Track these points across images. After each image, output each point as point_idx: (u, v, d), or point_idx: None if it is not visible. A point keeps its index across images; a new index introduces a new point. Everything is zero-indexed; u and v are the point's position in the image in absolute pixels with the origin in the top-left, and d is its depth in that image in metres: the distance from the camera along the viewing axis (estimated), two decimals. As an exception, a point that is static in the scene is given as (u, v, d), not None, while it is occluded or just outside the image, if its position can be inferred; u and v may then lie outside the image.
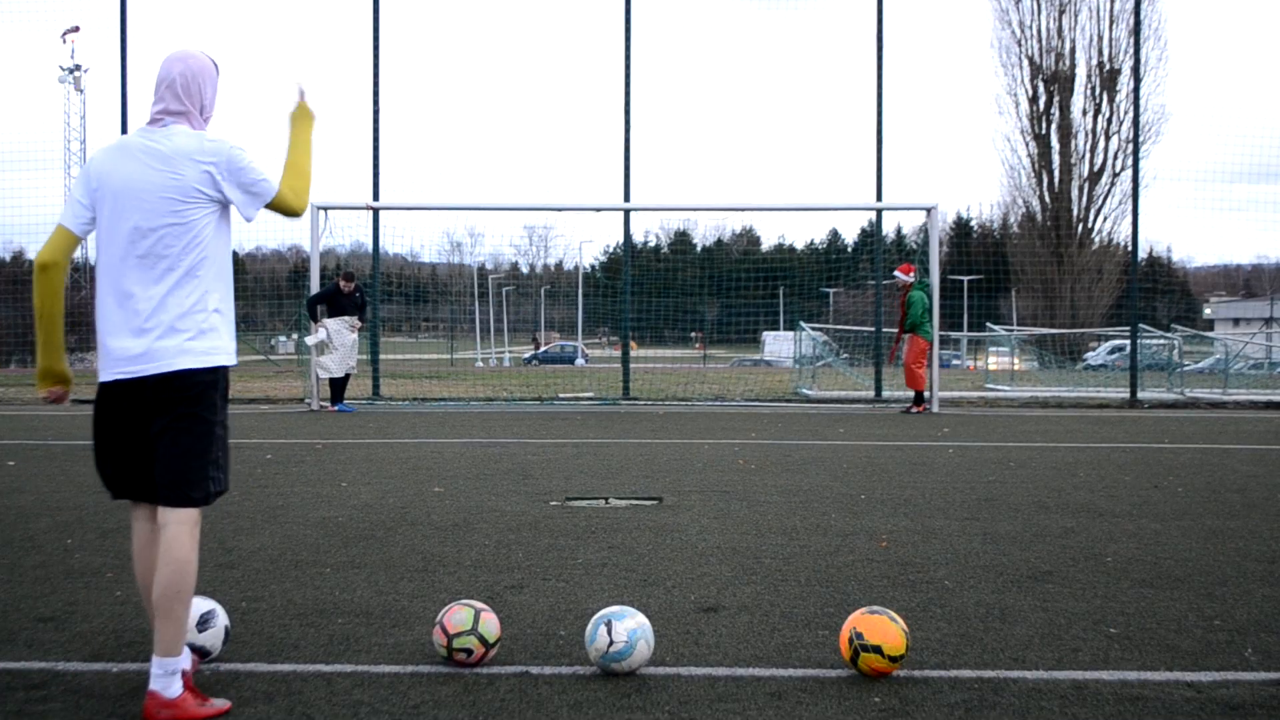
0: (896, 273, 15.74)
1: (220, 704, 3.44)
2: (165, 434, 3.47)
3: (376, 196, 17.43)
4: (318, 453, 10.14)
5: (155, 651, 3.38)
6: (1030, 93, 41.67)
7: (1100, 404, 17.54)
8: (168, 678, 3.36)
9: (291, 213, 3.68)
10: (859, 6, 41.29)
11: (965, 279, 34.13)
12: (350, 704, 3.52)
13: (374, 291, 18.46)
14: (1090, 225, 41.23)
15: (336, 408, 15.20)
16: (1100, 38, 40.80)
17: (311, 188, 3.75)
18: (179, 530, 3.44)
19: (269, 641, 4.15)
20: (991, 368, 32.02)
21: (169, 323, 3.46)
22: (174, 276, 3.48)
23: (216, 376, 3.54)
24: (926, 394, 15.43)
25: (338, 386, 15.37)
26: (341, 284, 15.61)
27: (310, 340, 15.31)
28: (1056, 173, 41.44)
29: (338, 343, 15.21)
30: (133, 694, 3.59)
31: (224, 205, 3.60)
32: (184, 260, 3.49)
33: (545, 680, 3.74)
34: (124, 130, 17.30)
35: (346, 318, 15.34)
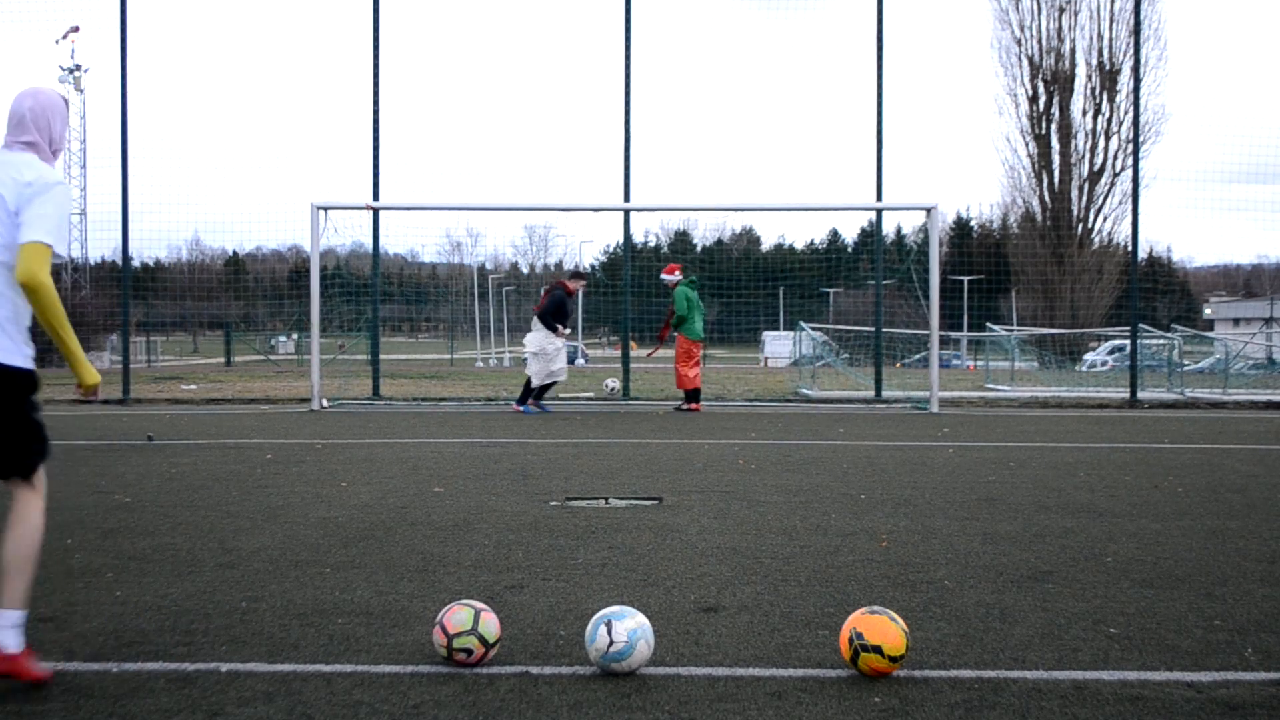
0: (663, 275, 15.95)
1: (46, 670, 3.72)
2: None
3: (376, 196, 17.43)
4: (318, 453, 10.14)
5: (5, 605, 3.69)
6: (1030, 93, 41.75)
7: (1100, 404, 17.54)
8: (14, 630, 3.69)
9: (21, 272, 3.66)
10: (859, 7, 41.30)
11: (965, 279, 34.15)
12: (350, 704, 3.52)
13: (374, 291, 18.47)
14: (1090, 225, 41.30)
15: (541, 407, 15.07)
16: (1100, 38, 40.90)
17: (43, 300, 3.69)
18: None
19: (269, 641, 4.15)
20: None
21: None
22: None
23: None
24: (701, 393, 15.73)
25: (540, 389, 15.19)
26: (571, 284, 15.37)
27: (532, 346, 15.13)
28: (1056, 173, 41.48)
29: (554, 350, 15.01)
30: (133, 694, 3.60)
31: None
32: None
33: (545, 680, 3.74)
34: (124, 130, 17.30)
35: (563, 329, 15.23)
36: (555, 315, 14.96)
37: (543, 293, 15.53)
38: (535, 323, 15.10)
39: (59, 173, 3.85)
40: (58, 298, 3.70)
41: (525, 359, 15.46)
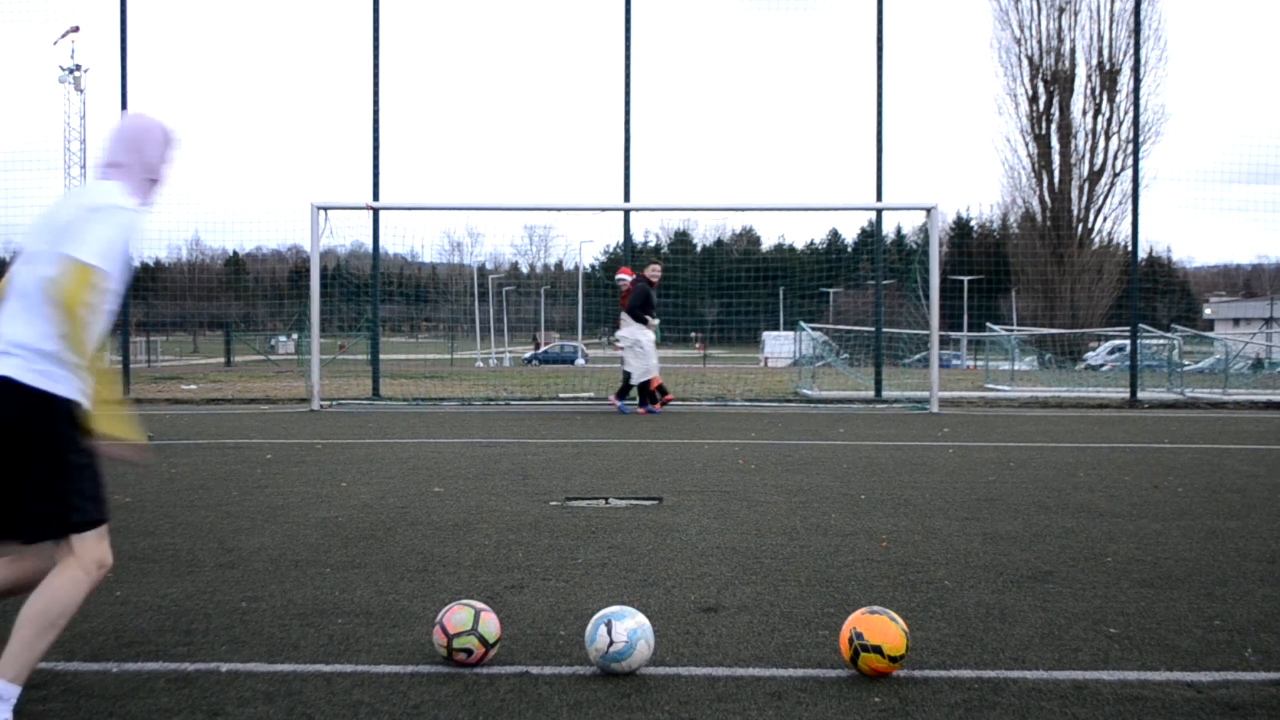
0: (620, 275, 15.88)
1: None
2: None
3: (376, 196, 17.43)
4: (318, 453, 10.14)
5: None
6: (1030, 93, 41.73)
7: (1100, 404, 17.54)
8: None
9: (49, 285, 3.33)
10: (859, 7, 41.30)
11: (965, 279, 34.14)
12: (350, 704, 3.52)
13: (374, 291, 18.47)
14: (1090, 225, 41.29)
15: (646, 409, 14.89)
16: (1100, 38, 40.87)
17: (64, 318, 3.29)
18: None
19: (269, 641, 4.15)
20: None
21: None
22: None
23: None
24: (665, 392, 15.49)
25: (643, 387, 15.05)
26: (648, 273, 15.10)
27: (625, 342, 15.00)
28: (1056, 173, 41.47)
29: (648, 343, 14.88)
30: (133, 694, 3.60)
31: None
32: None
33: (545, 680, 3.74)
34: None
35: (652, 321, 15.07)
36: (643, 307, 14.88)
37: (624, 290, 15.44)
38: (624, 318, 15.01)
39: (132, 201, 3.55)
40: (81, 327, 3.29)
41: (622, 357, 15.32)
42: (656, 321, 15.16)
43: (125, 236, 3.45)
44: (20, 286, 3.43)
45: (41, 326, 3.35)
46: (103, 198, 3.50)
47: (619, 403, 15.13)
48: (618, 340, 15.41)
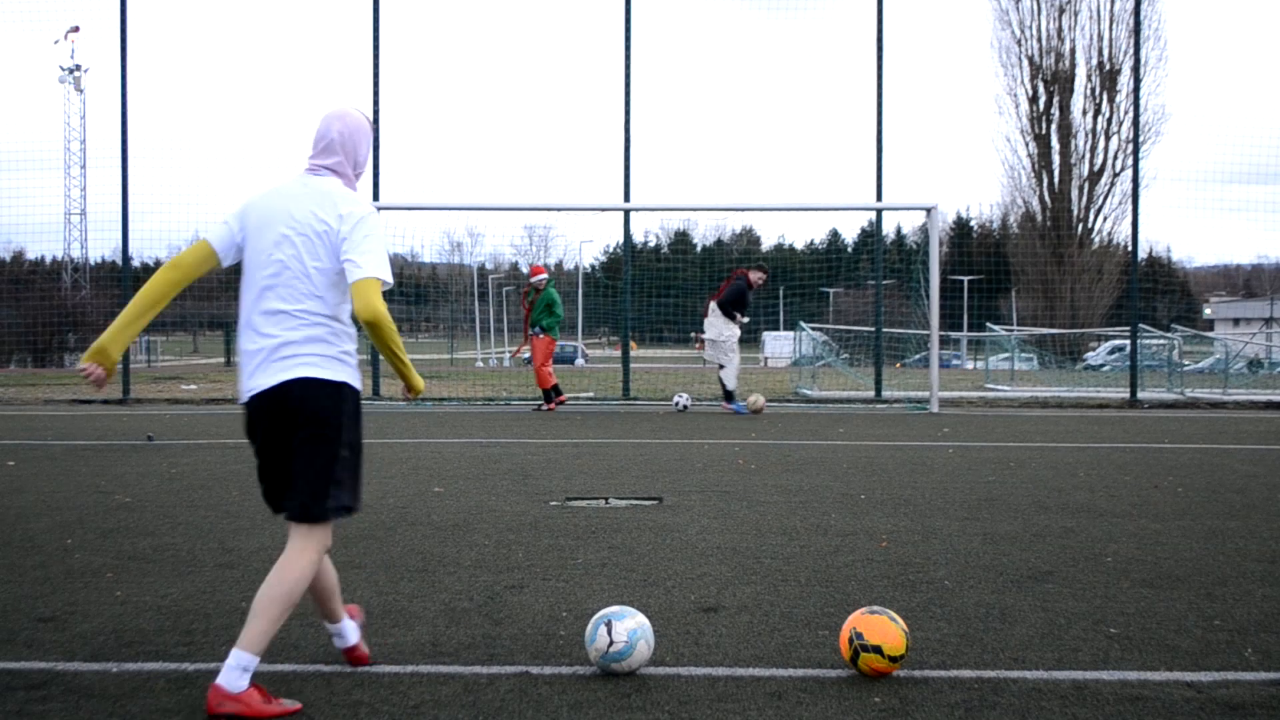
0: (535, 276, 15.68)
1: (290, 704, 3.46)
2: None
3: (376, 196, 17.41)
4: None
5: (237, 644, 3.43)
6: (1030, 93, 41.73)
7: (1100, 404, 17.54)
8: (239, 672, 3.38)
9: (361, 309, 3.58)
10: (859, 7, 41.32)
11: (965, 279, 34.12)
12: (350, 704, 3.52)
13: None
14: (1090, 225, 41.28)
15: (734, 407, 14.84)
16: (1100, 38, 40.87)
17: (382, 332, 3.62)
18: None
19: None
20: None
21: None
22: None
23: None
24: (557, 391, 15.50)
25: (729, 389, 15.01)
26: (752, 275, 14.93)
27: (710, 333, 14.91)
28: (1056, 173, 41.47)
29: (730, 338, 14.80)
30: (133, 694, 3.60)
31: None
32: None
33: (545, 680, 3.74)
34: (124, 130, 17.31)
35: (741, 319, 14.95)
36: (735, 304, 14.75)
37: (723, 282, 15.34)
38: (714, 309, 14.89)
39: (367, 200, 3.75)
40: (395, 328, 3.65)
41: (710, 357, 15.18)
42: (745, 320, 15.06)
43: (386, 238, 3.75)
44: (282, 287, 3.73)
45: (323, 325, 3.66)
46: (355, 205, 3.69)
47: (731, 405, 15.00)
48: (703, 335, 15.28)
